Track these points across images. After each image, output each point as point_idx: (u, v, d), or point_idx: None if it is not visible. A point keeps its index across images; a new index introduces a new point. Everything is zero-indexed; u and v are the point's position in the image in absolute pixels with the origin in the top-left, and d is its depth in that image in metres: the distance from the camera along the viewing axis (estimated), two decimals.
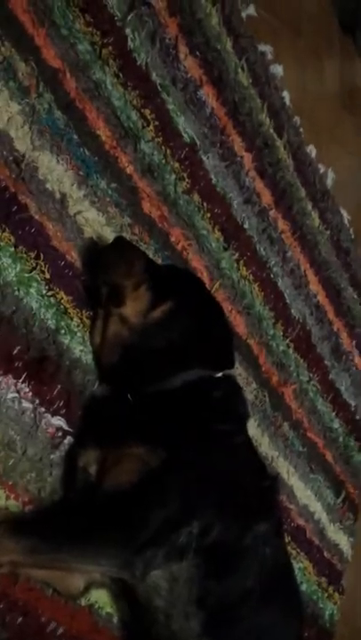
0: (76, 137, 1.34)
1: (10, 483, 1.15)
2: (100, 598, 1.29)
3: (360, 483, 2.31)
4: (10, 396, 1.17)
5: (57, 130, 1.30)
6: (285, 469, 1.90)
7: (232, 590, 1.20)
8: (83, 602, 1.25)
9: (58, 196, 1.30)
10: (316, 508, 2.05)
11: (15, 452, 1.17)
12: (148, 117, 1.53)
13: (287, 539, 1.83)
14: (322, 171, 2.19)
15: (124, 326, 1.27)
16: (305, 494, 2.00)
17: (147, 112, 1.52)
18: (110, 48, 1.42)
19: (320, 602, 2.00)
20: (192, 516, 1.16)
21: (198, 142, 1.68)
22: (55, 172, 1.30)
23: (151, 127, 1.53)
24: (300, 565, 1.92)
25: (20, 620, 1.13)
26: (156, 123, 1.55)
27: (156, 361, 1.26)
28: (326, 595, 2.04)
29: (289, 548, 1.83)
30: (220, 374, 1.31)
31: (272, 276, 1.94)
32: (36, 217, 1.26)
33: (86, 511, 1.14)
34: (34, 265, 1.24)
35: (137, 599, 1.20)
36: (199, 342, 1.27)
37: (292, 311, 2.01)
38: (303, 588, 1.92)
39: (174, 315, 1.26)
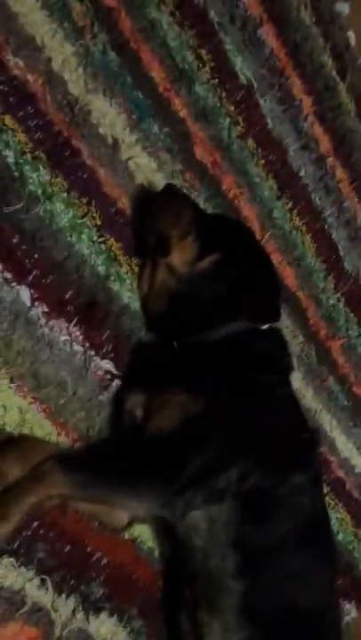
0: (129, 79, 1.32)
1: (61, 420, 1.20)
2: (143, 533, 1.35)
3: None
4: (62, 338, 1.21)
5: (111, 72, 1.28)
6: (328, 422, 1.91)
7: (267, 536, 1.23)
8: (126, 535, 1.31)
9: (110, 140, 1.30)
10: (358, 461, 2.06)
11: (66, 392, 1.21)
12: (205, 58, 1.48)
13: (326, 489, 1.85)
14: None
15: (171, 276, 1.28)
16: (346, 447, 2.01)
17: (203, 52, 1.48)
18: None
19: (356, 552, 2.04)
20: (231, 462, 1.18)
21: (256, 84, 1.62)
22: (108, 115, 1.29)
23: (207, 68, 1.48)
24: (338, 516, 1.95)
25: (67, 548, 1.20)
26: (213, 64, 1.50)
27: (201, 311, 1.27)
28: None
29: (328, 498, 1.86)
30: (265, 327, 1.31)
31: (326, 227, 1.89)
32: (89, 162, 1.26)
33: (132, 452, 1.18)
34: (85, 211, 1.25)
35: (177, 537, 1.25)
36: (245, 294, 1.27)
37: (346, 264, 1.97)
38: (340, 537, 1.95)
39: (221, 266, 1.25)
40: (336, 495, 1.95)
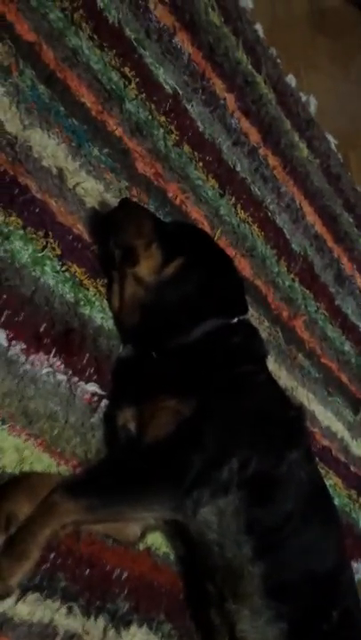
0: (62, 108, 1.35)
1: (58, 450, 1.23)
2: (156, 540, 1.39)
3: None
4: (44, 371, 1.23)
5: (43, 104, 1.31)
6: (305, 397, 1.99)
7: (275, 515, 1.29)
8: (141, 547, 1.36)
9: (55, 171, 1.33)
10: (338, 427, 2.16)
11: (58, 422, 1.24)
12: (129, 75, 1.52)
13: (316, 460, 1.94)
14: (304, 99, 2.18)
15: (140, 286, 1.32)
16: (326, 416, 2.10)
17: (126, 70, 1.52)
18: (81, 11, 1.41)
19: (352, 512, 2.14)
20: (230, 453, 1.24)
21: (180, 92, 1.67)
22: (49, 147, 1.32)
23: (133, 85, 1.53)
24: (331, 482, 2.04)
25: (87, 572, 1.23)
26: (137, 79, 1.54)
27: (174, 316, 1.32)
28: (358, 505, 2.18)
29: (318, 467, 1.94)
30: (235, 320, 1.37)
31: (269, 214, 1.97)
32: (38, 196, 1.28)
33: (133, 465, 1.21)
34: (44, 243, 1.28)
35: (191, 536, 1.30)
36: (213, 293, 1.33)
37: (293, 245, 2.05)
38: (335, 502, 2.04)
39: (186, 269, 1.30)
40: (325, 463, 2.04)
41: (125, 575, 1.32)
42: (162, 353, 1.32)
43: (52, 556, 1.18)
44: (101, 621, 1.24)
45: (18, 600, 1.10)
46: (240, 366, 1.33)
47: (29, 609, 1.13)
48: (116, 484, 1.19)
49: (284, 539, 1.30)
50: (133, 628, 1.30)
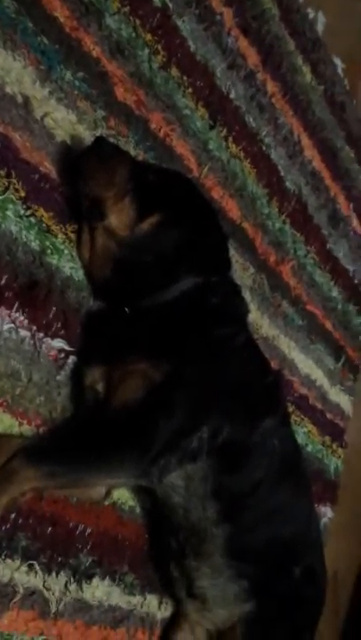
0: (30, 24, 1.17)
1: (20, 410, 1.17)
2: (122, 495, 1.37)
3: (360, 344, 2.37)
4: (5, 327, 1.14)
5: (8, 20, 1.13)
6: (286, 345, 1.93)
7: (244, 482, 1.27)
8: (106, 502, 1.33)
9: (20, 99, 1.16)
10: (318, 375, 2.11)
11: (20, 381, 1.17)
12: None
13: (291, 409, 1.91)
14: (311, 16, 1.95)
15: (111, 240, 1.21)
16: (306, 364, 2.05)
17: None
18: None
19: (325, 458, 2.14)
20: (201, 422, 1.19)
21: (171, 5, 1.47)
22: (12, 71, 1.15)
23: None
24: (305, 430, 2.03)
25: (49, 529, 1.21)
26: None
27: (148, 274, 1.22)
28: (331, 450, 2.18)
29: (293, 416, 1.92)
30: (215, 279, 1.27)
31: (264, 148, 1.81)
32: (0, 129, 1.13)
33: (99, 430, 1.16)
34: (6, 184, 1.14)
35: (156, 496, 1.28)
36: (191, 251, 1.22)
37: (287, 184, 1.91)
38: (309, 449, 2.04)
39: (163, 226, 1.19)
40: (301, 411, 2.01)
41: (89, 531, 1.30)
42: (135, 311, 1.23)
43: (12, 516, 1.14)
44: (63, 577, 1.24)
45: None
46: (217, 329, 1.25)
47: None
48: (79, 451, 1.14)
49: (252, 504, 1.28)
50: (95, 581, 1.31)
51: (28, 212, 1.18)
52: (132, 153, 1.37)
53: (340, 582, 2.23)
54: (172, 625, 1.45)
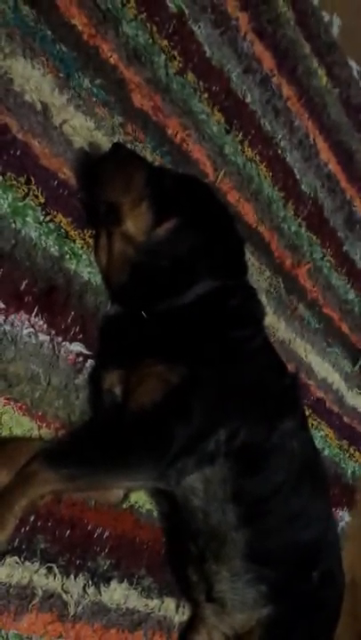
0: (49, 33, 1.19)
1: (39, 413, 1.18)
2: (140, 498, 1.37)
3: None
4: (25, 331, 1.16)
5: (27, 29, 1.14)
6: (303, 349, 1.93)
7: (264, 485, 1.27)
8: (124, 505, 1.34)
9: (39, 107, 1.18)
10: (334, 378, 2.10)
11: (40, 385, 1.18)
12: None
13: (309, 412, 1.90)
14: (326, 19, 1.95)
15: (129, 245, 1.22)
16: (323, 368, 2.04)
17: None
18: None
19: (342, 462, 2.13)
20: (218, 424, 1.19)
21: (187, 11, 1.48)
22: (32, 79, 1.16)
23: (132, 3, 1.34)
24: (322, 434, 2.02)
25: (68, 532, 1.22)
26: None
27: (166, 278, 1.22)
28: (348, 455, 2.17)
29: (310, 419, 1.91)
30: (232, 283, 1.27)
31: (280, 151, 1.81)
32: (20, 136, 1.15)
33: (116, 433, 1.17)
34: (26, 191, 1.16)
35: (175, 499, 1.28)
36: (208, 255, 1.22)
37: (303, 187, 1.91)
38: (326, 453, 2.03)
39: (180, 231, 1.19)
40: (318, 415, 2.01)
41: (107, 534, 1.31)
42: (152, 314, 1.24)
43: (31, 518, 1.15)
44: (81, 579, 1.24)
45: None
46: (234, 332, 1.25)
47: (7, 571, 1.12)
48: (97, 454, 1.14)
49: (272, 508, 1.28)
50: (114, 584, 1.31)
51: (48, 218, 1.19)
52: (149, 159, 1.38)
53: (359, 586, 2.22)
54: (189, 628, 1.45)
